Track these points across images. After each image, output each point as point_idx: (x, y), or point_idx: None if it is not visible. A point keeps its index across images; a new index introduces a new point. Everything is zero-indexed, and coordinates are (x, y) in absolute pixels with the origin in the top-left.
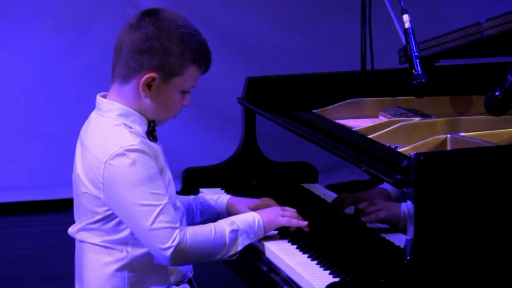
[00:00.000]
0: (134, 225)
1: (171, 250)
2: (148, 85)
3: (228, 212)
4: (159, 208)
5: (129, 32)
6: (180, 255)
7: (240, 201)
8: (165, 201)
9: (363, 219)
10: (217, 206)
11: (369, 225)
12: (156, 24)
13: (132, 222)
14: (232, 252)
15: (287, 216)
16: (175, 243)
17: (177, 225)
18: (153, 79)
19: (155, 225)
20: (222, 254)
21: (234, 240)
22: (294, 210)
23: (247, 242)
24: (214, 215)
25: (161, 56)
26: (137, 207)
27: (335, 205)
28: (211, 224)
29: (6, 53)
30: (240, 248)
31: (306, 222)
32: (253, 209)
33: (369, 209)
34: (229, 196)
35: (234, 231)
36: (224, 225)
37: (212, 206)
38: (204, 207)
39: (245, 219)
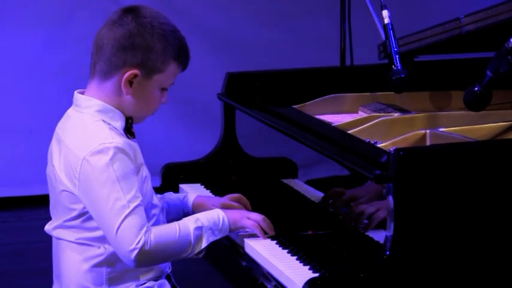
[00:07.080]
0: (102, 224)
1: (135, 252)
2: (130, 82)
3: (194, 211)
4: (129, 210)
5: (110, 28)
6: (145, 256)
7: (206, 201)
8: (136, 203)
9: (365, 222)
10: (183, 205)
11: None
12: (138, 20)
13: (101, 221)
14: (197, 249)
15: (253, 221)
16: (139, 245)
17: (144, 228)
18: (135, 76)
19: (122, 227)
20: (188, 252)
21: (199, 237)
22: (262, 217)
23: (212, 239)
24: (180, 214)
25: (144, 52)
26: (107, 207)
27: (328, 199)
28: (176, 223)
29: None
30: (205, 245)
31: (271, 233)
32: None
33: (368, 210)
34: (195, 195)
35: (199, 228)
36: (188, 223)
37: (178, 205)
38: (170, 207)
39: (210, 217)
